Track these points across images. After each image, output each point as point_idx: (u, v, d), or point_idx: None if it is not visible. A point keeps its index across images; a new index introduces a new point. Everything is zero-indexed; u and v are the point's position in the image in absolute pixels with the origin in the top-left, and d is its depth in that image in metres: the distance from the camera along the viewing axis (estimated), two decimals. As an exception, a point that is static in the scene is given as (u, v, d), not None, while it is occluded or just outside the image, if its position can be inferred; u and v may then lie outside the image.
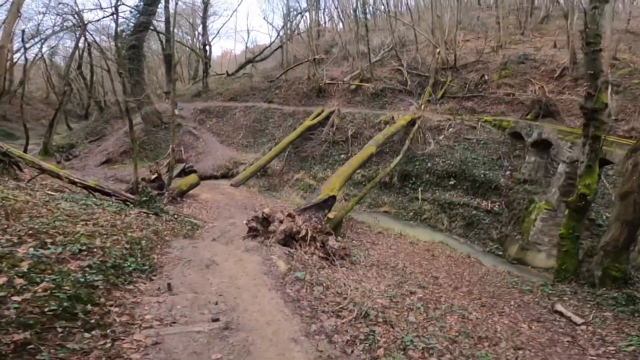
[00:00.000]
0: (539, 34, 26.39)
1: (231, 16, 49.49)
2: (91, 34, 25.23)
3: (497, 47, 23.31)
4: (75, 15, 22.48)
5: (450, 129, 17.36)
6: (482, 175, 15.14)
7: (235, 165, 19.86)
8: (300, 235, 7.69)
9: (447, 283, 8.64)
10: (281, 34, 34.99)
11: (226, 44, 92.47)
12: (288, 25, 32.47)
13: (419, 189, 16.04)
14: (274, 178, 18.99)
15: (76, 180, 9.77)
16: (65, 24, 28.56)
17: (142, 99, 22.22)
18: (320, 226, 8.02)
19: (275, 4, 69.21)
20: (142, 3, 22.64)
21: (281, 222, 7.84)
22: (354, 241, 11.12)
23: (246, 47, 40.59)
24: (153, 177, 12.52)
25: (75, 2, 30.13)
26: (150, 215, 8.59)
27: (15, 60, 36.56)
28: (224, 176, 19.57)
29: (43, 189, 8.84)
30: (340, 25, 37.36)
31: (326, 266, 7.17)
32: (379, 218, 14.93)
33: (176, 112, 25.31)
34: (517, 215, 13.45)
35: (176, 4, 16.77)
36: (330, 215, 9.60)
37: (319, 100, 24.22)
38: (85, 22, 22.72)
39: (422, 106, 20.37)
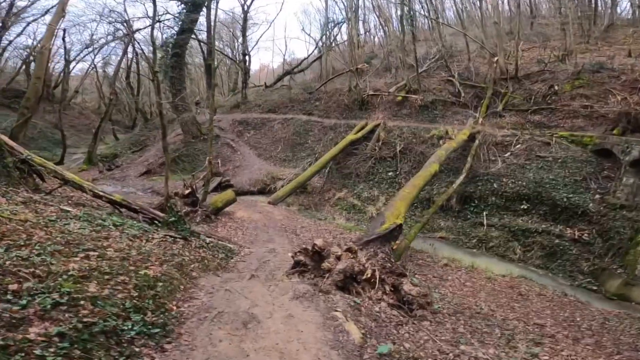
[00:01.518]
0: (606, 42, 23.33)
1: (269, 27, 49.64)
2: (139, 43, 25.28)
3: (564, 55, 20.61)
4: (125, 24, 22.49)
5: (519, 146, 14.89)
6: (564, 199, 12.53)
7: (273, 180, 18.35)
8: (364, 277, 5.75)
9: (562, 333, 6.38)
10: (319, 45, 33.96)
11: (264, 58, 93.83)
12: (327, 35, 31.26)
13: (484, 213, 13.62)
14: (314, 196, 17.24)
15: (101, 193, 8.48)
16: (116, 33, 29.13)
17: (181, 107, 21.55)
18: (389, 265, 6.05)
19: (312, 16, 69.12)
20: (184, 10, 22.24)
21: (338, 258, 5.95)
22: (416, 275, 9.01)
23: (284, 59, 40.01)
24: (187, 192, 11.14)
25: (125, 11, 30.70)
26: (178, 240, 7.01)
27: (71, 69, 37.95)
28: (261, 192, 18.09)
29: (60, 203, 7.56)
30: (381, 34, 35.80)
31: (403, 320, 5.17)
32: (436, 245, 12.66)
33: (214, 122, 24.55)
34: (617, 246, 10.79)
35: (216, 12, 15.76)
36: (393, 246, 7.59)
37: (361, 113, 22.45)
38: (133, 31, 22.65)
39: (481, 120, 18.03)
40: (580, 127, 15.87)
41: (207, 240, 7.97)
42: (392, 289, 5.85)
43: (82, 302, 3.29)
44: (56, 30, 15.35)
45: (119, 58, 31.79)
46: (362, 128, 19.79)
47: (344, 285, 5.71)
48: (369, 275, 5.75)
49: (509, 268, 11.25)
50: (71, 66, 37.39)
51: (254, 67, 42.76)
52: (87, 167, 23.42)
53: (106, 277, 3.93)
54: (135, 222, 7.69)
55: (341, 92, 24.82)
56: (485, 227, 13.28)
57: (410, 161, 16.52)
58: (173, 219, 7.51)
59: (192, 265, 5.88)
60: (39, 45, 33.65)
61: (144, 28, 26.20)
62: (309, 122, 22.64)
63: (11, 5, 21.28)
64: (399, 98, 21.80)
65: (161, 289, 4.31)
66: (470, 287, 8.82)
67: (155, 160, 22.59)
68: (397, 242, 7.67)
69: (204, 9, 22.99)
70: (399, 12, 30.98)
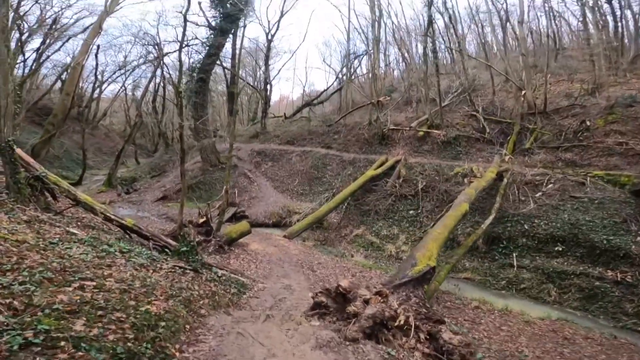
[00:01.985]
0: (634, 74, 22.58)
1: (291, 57, 51.15)
2: (167, 67, 26.09)
3: (594, 89, 19.94)
4: (155, 47, 23.31)
5: (550, 185, 13.97)
6: (604, 241, 11.45)
7: (289, 214, 17.74)
8: (396, 324, 4.92)
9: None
10: (340, 76, 34.49)
11: (284, 88, 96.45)
12: (348, 67, 31.74)
13: (513, 255, 12.54)
14: (330, 232, 16.46)
15: (112, 217, 8.02)
16: (148, 56, 30.22)
17: (202, 134, 21.64)
18: (424, 310, 5.21)
19: (333, 48, 70.96)
20: (212, 35, 22.91)
21: (366, 302, 5.17)
22: (445, 318, 8.01)
23: (303, 90, 40.71)
24: (201, 220, 10.61)
25: (158, 34, 32.06)
26: (188, 271, 6.36)
27: (103, 90, 39.31)
28: (276, 225, 17.44)
29: (69, 224, 7.11)
30: (402, 67, 36.19)
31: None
32: (461, 286, 11.56)
33: (232, 152, 24.53)
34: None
35: (242, 39, 16.06)
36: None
37: (381, 148, 22.03)
38: (163, 54, 23.45)
39: (508, 157, 17.27)
40: (616, 166, 14.91)
41: (219, 273, 7.28)
42: (428, 336, 4.98)
43: (61, 344, 2.65)
44: (91, 47, 15.74)
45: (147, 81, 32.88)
46: (382, 164, 19.28)
47: (372, 332, 4.88)
48: (401, 322, 4.92)
49: (544, 310, 10.19)
50: (102, 87, 38.84)
51: (274, 97, 43.76)
52: (106, 189, 23.43)
53: (99, 312, 3.29)
54: (144, 249, 7.13)
55: (361, 125, 24.64)
56: (515, 269, 12.17)
57: (433, 200, 15.72)
58: (185, 248, 6.92)
59: (201, 302, 5.19)
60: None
61: (173, 52, 27.17)
62: (327, 156, 22.31)
63: (55, 20, 22.32)
64: (421, 133, 21.34)
65: (163, 330, 3.63)
66: (507, 331, 7.76)
67: (172, 186, 22.45)
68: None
69: (231, 36, 23.71)
70: (420, 46, 31.58)
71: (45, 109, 32.48)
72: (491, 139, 19.43)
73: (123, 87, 36.54)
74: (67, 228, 6.44)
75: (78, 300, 3.36)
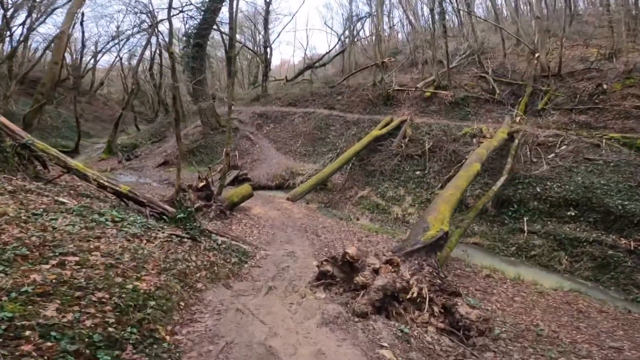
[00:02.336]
0: None
1: (291, 19, 48.46)
2: (162, 35, 24.63)
3: (611, 54, 18.66)
4: (148, 15, 21.83)
5: (564, 147, 13.28)
6: (618, 206, 10.95)
7: (292, 175, 17.29)
8: (408, 296, 4.57)
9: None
10: (342, 39, 32.68)
11: (285, 53, 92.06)
12: (351, 28, 29.94)
13: (524, 219, 12.14)
14: (334, 193, 16.07)
15: (106, 183, 7.56)
16: (142, 25, 28.64)
17: (201, 98, 20.80)
18: (439, 281, 4.83)
19: (335, 10, 67.00)
20: (207, 0, 21.42)
21: (376, 271, 4.78)
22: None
23: (305, 54, 38.80)
24: (201, 184, 10.16)
25: (150, 2, 30.14)
26: (185, 240, 5.98)
27: (97, 60, 37.98)
28: (279, 187, 17.06)
29: (60, 194, 6.67)
30: (406, 30, 34.16)
31: (464, 353, 3.96)
32: (469, 252, 11.28)
33: (233, 115, 23.70)
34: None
35: (237, 1, 14.76)
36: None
37: (386, 109, 21.11)
38: (157, 21, 22.00)
39: (519, 118, 16.44)
40: (632, 129, 14.12)
41: (219, 240, 6.93)
42: (442, 310, 4.65)
43: (26, 333, 2.25)
44: (76, 16, 14.71)
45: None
46: (387, 124, 18.49)
47: (382, 305, 4.54)
48: (414, 294, 4.56)
49: (556, 280, 9.89)
50: (98, 57, 37.50)
51: (275, 62, 41.81)
52: (107, 156, 23.00)
53: (77, 294, 2.89)
54: (140, 217, 6.72)
55: (365, 86, 23.53)
56: (525, 234, 11.80)
57: (441, 160, 15.12)
58: (182, 215, 6.51)
59: (199, 274, 4.84)
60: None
61: (166, 19, 25.50)
62: (331, 117, 21.45)
63: None
64: (427, 94, 20.33)
65: (153, 310, 3.25)
66: (520, 302, 7.52)
67: (173, 151, 21.88)
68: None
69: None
70: (426, 8, 29.52)
71: (38, 81, 31.34)
72: (501, 100, 18.52)
73: (118, 57, 34.93)
74: (56, 197, 5.99)
75: (54, 280, 2.95)
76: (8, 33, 23.00)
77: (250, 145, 20.64)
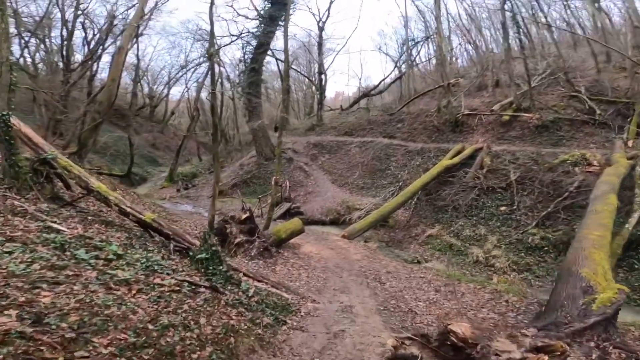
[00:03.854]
0: None
1: (345, 44, 48.26)
2: (222, 61, 25.26)
3: None
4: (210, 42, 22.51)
5: None
6: None
7: (348, 210, 15.22)
8: None
9: None
10: (399, 64, 31.05)
11: (339, 84, 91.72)
12: (408, 52, 28.28)
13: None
14: (397, 231, 13.61)
15: (128, 210, 6.23)
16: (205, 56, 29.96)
17: (257, 127, 20.21)
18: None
19: (389, 37, 65.64)
20: (262, 25, 21.39)
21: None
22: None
23: (359, 84, 37.69)
24: (244, 216, 8.56)
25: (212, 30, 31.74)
26: (201, 290, 4.18)
27: (170, 88, 40.58)
28: (334, 222, 15.05)
29: (67, 219, 5.40)
30: (467, 54, 31.57)
31: None
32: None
33: (287, 145, 22.73)
34: None
35: (286, 21, 13.96)
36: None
37: (454, 136, 18.47)
38: (217, 47, 22.50)
39: (631, 142, 12.93)
40: None
41: (252, 290, 5.02)
42: None
43: None
44: (135, 32, 14.96)
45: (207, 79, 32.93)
46: (459, 152, 15.84)
47: None
48: None
49: None
50: (169, 86, 39.98)
51: (329, 94, 41.20)
52: (168, 184, 23.17)
53: None
54: (154, 254, 5.14)
55: (428, 112, 21.21)
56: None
57: (534, 193, 12.05)
58: (203, 255, 4.76)
59: (197, 355, 2.89)
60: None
61: (226, 45, 26.27)
62: (391, 146, 19.34)
63: (113, 16, 22.68)
64: (506, 117, 17.38)
65: None
66: None
67: (228, 181, 21.30)
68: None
69: (281, 26, 22.01)
70: (490, 30, 27.01)
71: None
72: (604, 122, 14.97)
73: (186, 87, 37.09)
74: (51, 223, 4.63)
75: None
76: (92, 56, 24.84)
77: (304, 177, 19.18)
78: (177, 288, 4.09)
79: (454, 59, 37.08)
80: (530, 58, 24.13)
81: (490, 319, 6.07)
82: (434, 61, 31.89)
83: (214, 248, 4.86)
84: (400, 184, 15.95)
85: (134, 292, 3.51)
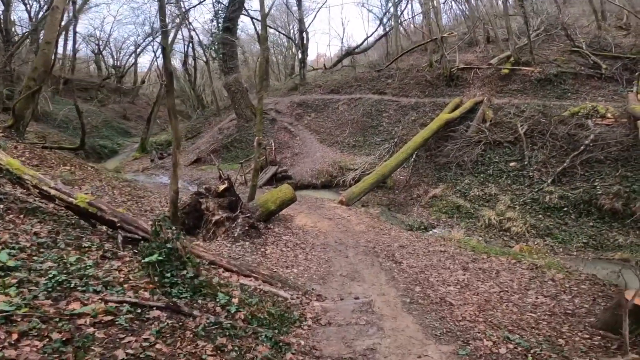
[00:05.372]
0: None
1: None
2: (192, 26, 22.01)
3: None
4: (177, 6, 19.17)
5: None
6: None
7: (341, 171, 13.53)
8: None
9: None
10: (384, 21, 28.24)
11: (321, 44, 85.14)
12: (395, 7, 25.53)
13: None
14: (397, 193, 12.12)
15: (52, 192, 4.24)
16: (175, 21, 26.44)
17: (235, 87, 17.77)
18: None
19: None
20: None
21: None
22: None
23: (342, 43, 34.60)
24: (221, 188, 6.67)
25: None
26: (153, 313, 2.42)
27: (136, 62, 36.65)
28: (326, 186, 13.39)
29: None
30: (455, 9, 28.88)
31: None
32: (622, 273, 6.81)
33: (270, 105, 20.38)
34: None
35: None
36: None
37: (449, 90, 16.66)
38: (186, 9, 19.27)
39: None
40: None
41: (236, 299, 3.30)
42: None
43: None
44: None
45: (178, 47, 29.39)
46: (457, 106, 14.18)
47: None
48: None
49: None
50: (136, 57, 36.04)
51: (311, 56, 37.45)
52: (140, 155, 20.64)
53: None
54: (85, 256, 3.29)
55: (419, 68, 19.16)
56: None
57: (546, 148, 10.61)
58: (155, 257, 2.94)
59: None
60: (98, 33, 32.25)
61: (194, 6, 22.80)
62: (382, 102, 17.40)
63: None
64: (505, 71, 15.67)
65: None
66: None
67: (207, 147, 19.05)
68: None
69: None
70: None
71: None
72: (611, 76, 13.51)
73: (155, 55, 33.16)
74: None
75: None
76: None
77: (289, 138, 17.15)
78: (110, 318, 2.33)
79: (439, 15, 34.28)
80: (523, 16, 22.13)
81: (542, 304, 4.69)
82: (419, 19, 29.24)
83: (169, 245, 3.03)
84: (396, 140, 14.23)
85: (15, 336, 1.73)
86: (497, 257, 6.16)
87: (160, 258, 2.94)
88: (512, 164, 10.89)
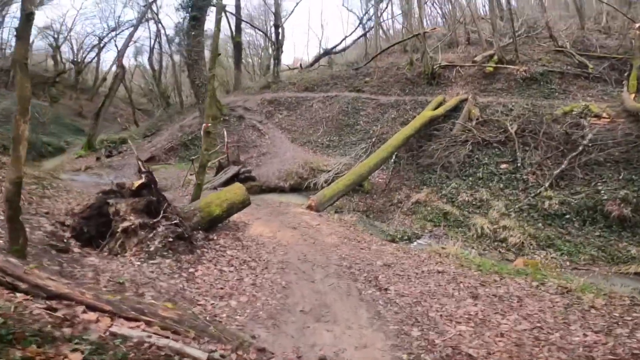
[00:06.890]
0: None
1: None
2: (161, 23, 19.83)
3: None
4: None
5: None
6: None
7: (313, 173, 11.78)
8: None
9: None
10: (364, 21, 27.26)
11: (298, 45, 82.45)
12: (374, 6, 24.59)
13: None
14: (375, 197, 10.52)
15: None
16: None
17: (199, 82, 15.82)
18: None
19: None
20: None
21: None
22: None
23: (320, 44, 33.34)
24: (137, 184, 4.71)
25: None
26: None
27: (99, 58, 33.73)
28: (295, 189, 11.58)
29: None
30: (437, 10, 28.35)
31: None
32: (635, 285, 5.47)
33: (240, 103, 18.40)
34: None
35: None
36: None
37: (431, 89, 15.50)
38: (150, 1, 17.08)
39: (633, 95, 10.76)
40: None
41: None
42: None
43: None
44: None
45: (147, 45, 26.96)
46: (440, 104, 12.93)
47: None
48: None
49: None
50: (99, 52, 33.14)
51: (287, 60, 35.39)
52: (87, 153, 18.04)
53: None
54: None
55: (398, 66, 18.02)
56: None
57: (541, 147, 9.41)
58: None
59: None
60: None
61: None
62: (359, 100, 15.97)
63: None
64: (490, 69, 14.75)
65: None
66: None
67: (163, 145, 16.82)
68: None
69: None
70: None
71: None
72: (599, 76, 12.80)
73: (117, 50, 30.41)
74: None
75: None
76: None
77: (257, 137, 15.28)
78: None
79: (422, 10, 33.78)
80: (508, 11, 21.74)
81: (596, 344, 3.13)
82: (399, 20, 28.52)
83: None
84: (374, 139, 12.73)
85: None
86: (513, 279, 4.59)
87: None
88: (503, 165, 9.60)
